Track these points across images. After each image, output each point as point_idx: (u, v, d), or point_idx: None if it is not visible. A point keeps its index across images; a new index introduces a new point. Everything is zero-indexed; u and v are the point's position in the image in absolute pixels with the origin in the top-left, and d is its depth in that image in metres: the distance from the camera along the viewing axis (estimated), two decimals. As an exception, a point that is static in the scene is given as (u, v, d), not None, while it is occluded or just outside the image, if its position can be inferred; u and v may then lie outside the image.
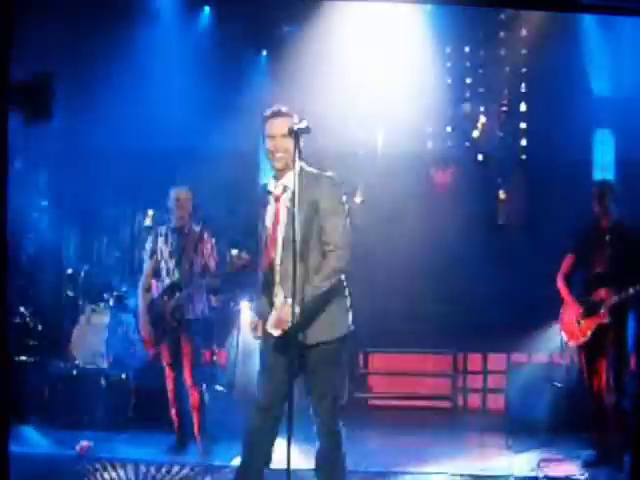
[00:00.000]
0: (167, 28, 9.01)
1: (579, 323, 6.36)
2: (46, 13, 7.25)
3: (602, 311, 6.21)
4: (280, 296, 4.44)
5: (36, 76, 3.94)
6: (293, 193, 4.26)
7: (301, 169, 4.37)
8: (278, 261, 4.46)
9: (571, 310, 6.44)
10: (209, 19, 9.40)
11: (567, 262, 6.51)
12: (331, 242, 4.40)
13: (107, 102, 8.27)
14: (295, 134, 4.25)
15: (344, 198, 4.52)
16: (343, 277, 4.54)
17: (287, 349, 4.30)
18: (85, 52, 8.19)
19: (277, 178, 4.52)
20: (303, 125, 4.26)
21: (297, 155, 4.27)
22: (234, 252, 6.30)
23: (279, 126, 4.44)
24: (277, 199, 4.51)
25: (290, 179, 4.36)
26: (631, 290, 6.07)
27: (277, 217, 4.50)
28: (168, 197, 6.71)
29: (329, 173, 4.49)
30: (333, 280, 4.41)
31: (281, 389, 4.40)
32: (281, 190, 4.50)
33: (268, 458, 4.61)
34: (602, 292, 6.23)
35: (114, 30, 8.37)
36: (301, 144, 4.26)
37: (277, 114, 4.49)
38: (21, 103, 3.84)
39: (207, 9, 9.32)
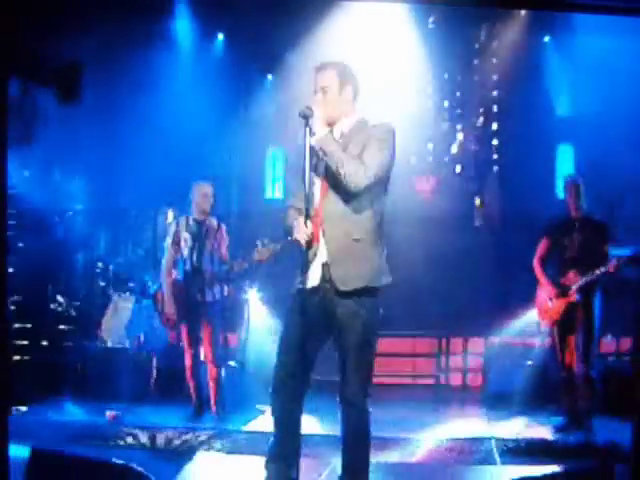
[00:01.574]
0: (185, 53, 8.94)
1: (551, 302, 6.27)
2: (69, 41, 7.15)
3: (571, 291, 6.11)
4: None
5: (68, 63, 3.86)
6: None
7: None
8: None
9: (545, 291, 6.35)
10: (222, 45, 9.28)
11: (542, 245, 6.40)
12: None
13: (131, 116, 8.22)
14: (305, 117, 3.71)
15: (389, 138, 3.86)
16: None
17: (325, 297, 3.71)
18: (112, 71, 8.10)
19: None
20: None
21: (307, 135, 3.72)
22: (261, 242, 5.98)
23: (328, 77, 3.83)
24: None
25: (344, 125, 3.85)
26: (597, 272, 6.00)
27: None
28: (191, 190, 6.54)
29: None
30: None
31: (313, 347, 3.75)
32: (339, 136, 3.86)
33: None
34: (571, 274, 6.14)
35: (136, 54, 8.32)
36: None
37: (324, 66, 3.85)
38: (55, 85, 3.76)
39: (221, 36, 9.20)
